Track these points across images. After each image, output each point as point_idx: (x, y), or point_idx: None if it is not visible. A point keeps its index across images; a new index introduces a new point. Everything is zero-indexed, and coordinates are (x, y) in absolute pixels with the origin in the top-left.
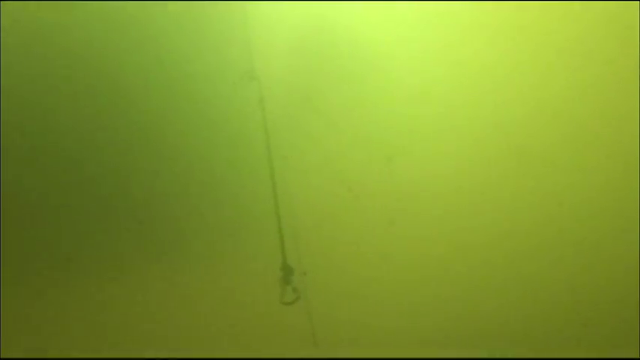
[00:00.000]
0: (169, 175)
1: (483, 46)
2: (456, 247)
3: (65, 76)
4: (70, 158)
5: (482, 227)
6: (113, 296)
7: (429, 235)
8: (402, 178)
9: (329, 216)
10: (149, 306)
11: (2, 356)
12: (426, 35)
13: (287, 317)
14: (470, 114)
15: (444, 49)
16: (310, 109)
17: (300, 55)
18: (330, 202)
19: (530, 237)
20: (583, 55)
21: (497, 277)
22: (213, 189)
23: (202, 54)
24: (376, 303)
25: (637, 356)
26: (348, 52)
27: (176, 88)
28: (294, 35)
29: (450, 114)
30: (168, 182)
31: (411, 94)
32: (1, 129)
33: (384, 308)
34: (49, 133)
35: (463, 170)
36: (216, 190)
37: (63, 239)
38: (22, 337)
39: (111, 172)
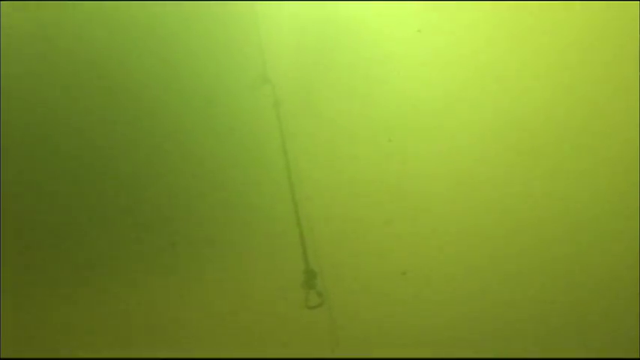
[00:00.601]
0: (186, 181)
1: (485, 42)
2: (464, 245)
3: (71, 80)
4: (79, 161)
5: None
6: (132, 299)
7: (452, 236)
8: (418, 177)
9: (349, 218)
10: (172, 310)
11: (2, 356)
12: (440, 37)
13: (308, 320)
14: (471, 112)
15: (452, 51)
16: (325, 110)
17: (313, 57)
18: (350, 204)
19: (529, 236)
20: (584, 55)
21: (496, 276)
22: (230, 195)
23: (214, 59)
24: (397, 304)
25: (637, 356)
26: (363, 53)
27: (190, 94)
28: (306, 37)
29: (453, 112)
30: (184, 189)
31: (423, 94)
32: (1, 130)
33: (404, 310)
34: (50, 135)
35: (473, 166)
36: (234, 196)
37: (85, 245)
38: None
39: (124, 178)
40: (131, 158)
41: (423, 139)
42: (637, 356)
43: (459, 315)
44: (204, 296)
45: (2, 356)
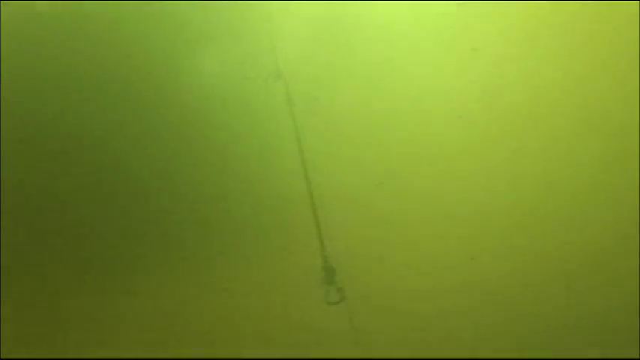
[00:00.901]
0: (200, 181)
1: (494, 40)
2: (494, 239)
3: (76, 78)
4: (96, 164)
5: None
6: (139, 298)
7: (477, 228)
8: (436, 177)
9: (367, 214)
10: (190, 308)
11: (3, 356)
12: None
13: (327, 318)
14: (478, 110)
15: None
16: (339, 106)
17: (326, 52)
18: (367, 199)
19: (529, 235)
20: (583, 54)
21: (498, 277)
22: (246, 194)
23: (225, 57)
24: (418, 302)
25: (637, 356)
26: (378, 48)
27: (200, 93)
28: (319, 33)
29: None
30: (198, 188)
31: (439, 91)
32: (1, 130)
33: (425, 307)
34: (56, 133)
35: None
36: (249, 195)
37: (89, 241)
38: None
39: (143, 179)
40: (140, 156)
41: (443, 137)
42: (637, 356)
43: (485, 314)
44: (221, 294)
45: (2, 356)
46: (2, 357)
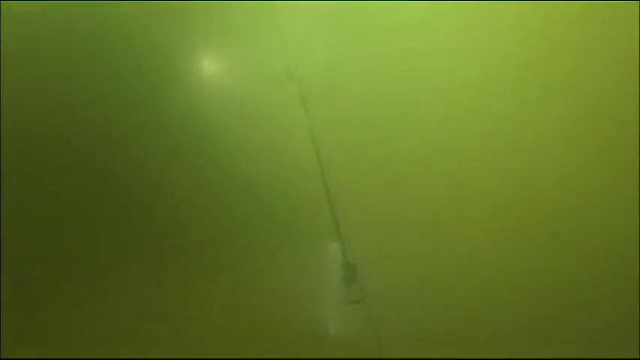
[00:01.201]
0: (217, 179)
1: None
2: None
3: (80, 78)
4: (104, 159)
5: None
6: (158, 297)
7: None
8: (447, 174)
9: (385, 212)
10: (207, 306)
11: (2, 356)
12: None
13: (349, 317)
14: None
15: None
16: (350, 103)
17: (336, 53)
18: (385, 197)
19: (528, 235)
20: (583, 54)
21: (498, 276)
22: (262, 191)
23: (240, 60)
24: (441, 301)
25: (637, 356)
26: (387, 47)
27: (212, 95)
28: (328, 34)
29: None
30: (215, 186)
31: (450, 88)
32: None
33: (447, 306)
34: (61, 132)
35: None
36: (266, 192)
37: (112, 242)
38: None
39: (158, 177)
40: (153, 155)
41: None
42: (637, 356)
43: (506, 313)
44: (238, 294)
45: (2, 356)
46: (2, 357)
